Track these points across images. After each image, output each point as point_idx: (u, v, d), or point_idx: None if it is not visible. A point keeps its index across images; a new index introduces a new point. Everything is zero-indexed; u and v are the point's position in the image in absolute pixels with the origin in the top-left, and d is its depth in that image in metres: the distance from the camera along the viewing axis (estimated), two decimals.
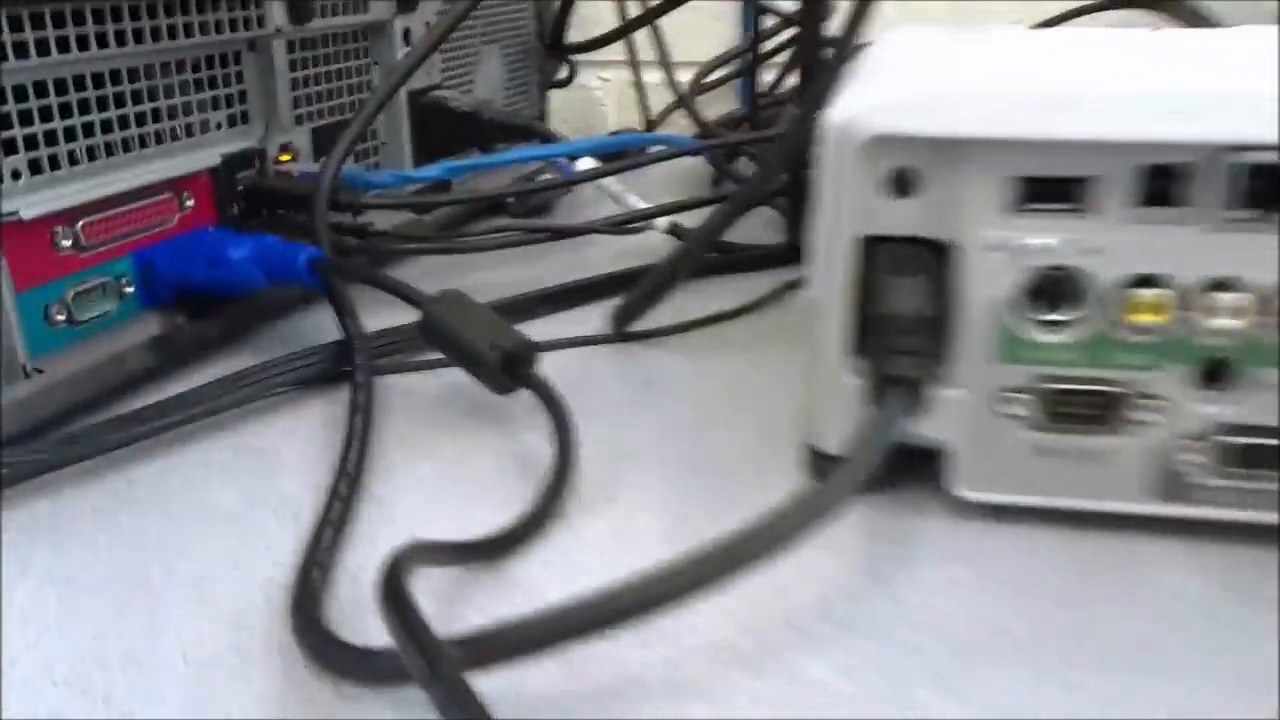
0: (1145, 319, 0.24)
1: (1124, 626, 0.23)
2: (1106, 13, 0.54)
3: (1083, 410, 0.25)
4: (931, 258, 0.25)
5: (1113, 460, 0.26)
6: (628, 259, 0.47)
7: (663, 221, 0.46)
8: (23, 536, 0.28)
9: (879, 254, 0.26)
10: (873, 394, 0.24)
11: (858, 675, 0.22)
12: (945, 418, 0.26)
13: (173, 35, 0.37)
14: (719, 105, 0.73)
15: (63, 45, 0.33)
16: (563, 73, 0.62)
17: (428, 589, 0.25)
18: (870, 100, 0.25)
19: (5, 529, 0.28)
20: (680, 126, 0.68)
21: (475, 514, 0.28)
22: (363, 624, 0.24)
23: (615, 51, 0.63)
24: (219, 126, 0.40)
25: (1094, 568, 0.25)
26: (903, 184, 0.25)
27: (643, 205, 0.46)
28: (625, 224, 0.44)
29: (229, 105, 0.41)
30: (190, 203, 0.39)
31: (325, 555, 0.25)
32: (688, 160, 0.59)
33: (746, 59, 0.60)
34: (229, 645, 0.23)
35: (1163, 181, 0.24)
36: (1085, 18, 0.55)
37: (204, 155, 0.39)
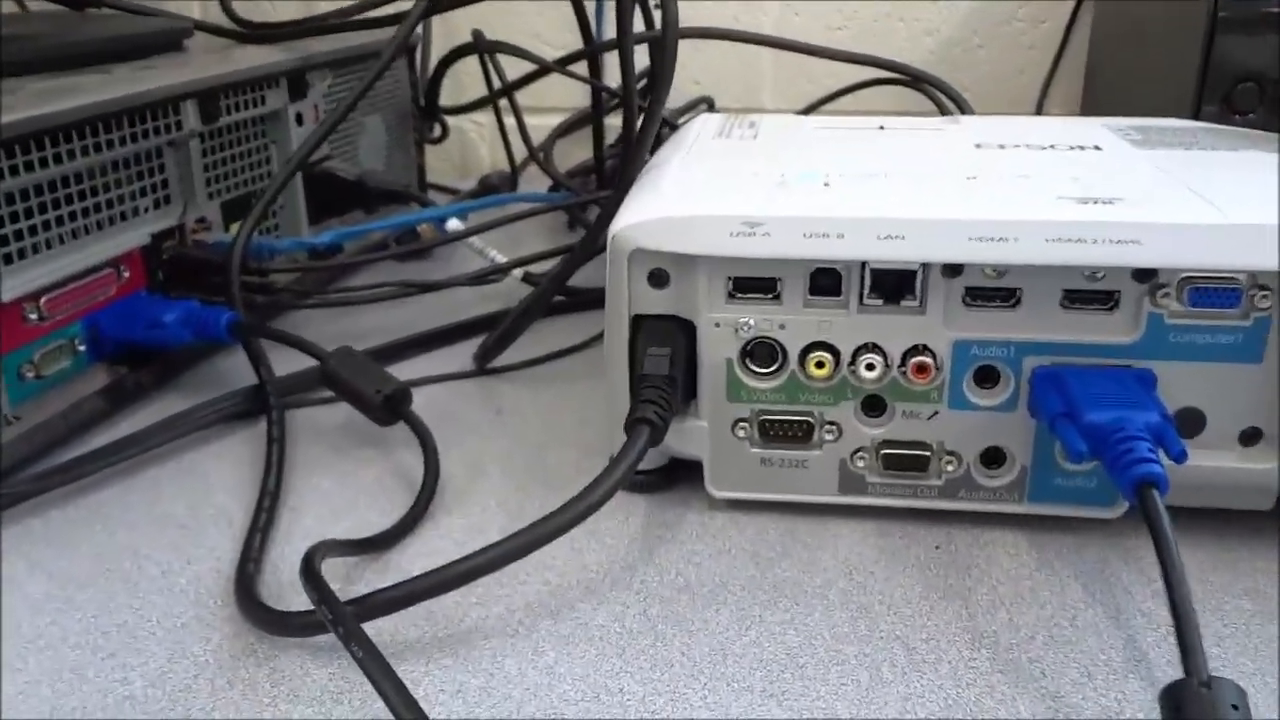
0: (820, 372, 0.36)
1: (805, 579, 0.35)
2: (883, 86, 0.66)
3: (786, 433, 0.37)
4: (680, 330, 0.36)
5: (810, 466, 0.37)
6: (489, 303, 0.58)
7: (518, 271, 0.56)
8: (26, 545, 0.37)
9: (643, 327, 0.37)
10: (626, 429, 0.35)
11: (625, 620, 0.33)
12: (697, 440, 0.38)
13: (111, 146, 0.46)
14: (578, 147, 0.84)
15: (29, 166, 0.42)
16: (436, 132, 0.72)
17: (334, 573, 0.35)
18: (637, 217, 0.36)
19: (11, 540, 0.37)
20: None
21: (364, 516, 0.39)
22: (284, 598, 0.34)
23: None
24: (147, 210, 0.50)
25: (796, 541, 0.37)
26: (658, 280, 0.36)
27: (500, 259, 0.57)
28: (484, 276, 0.55)
29: (154, 192, 0.50)
30: (126, 274, 0.48)
31: (256, 553, 0.35)
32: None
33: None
34: (193, 616, 0.33)
35: (825, 279, 0.35)
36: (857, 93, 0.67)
37: (136, 235, 0.49)
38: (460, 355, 0.53)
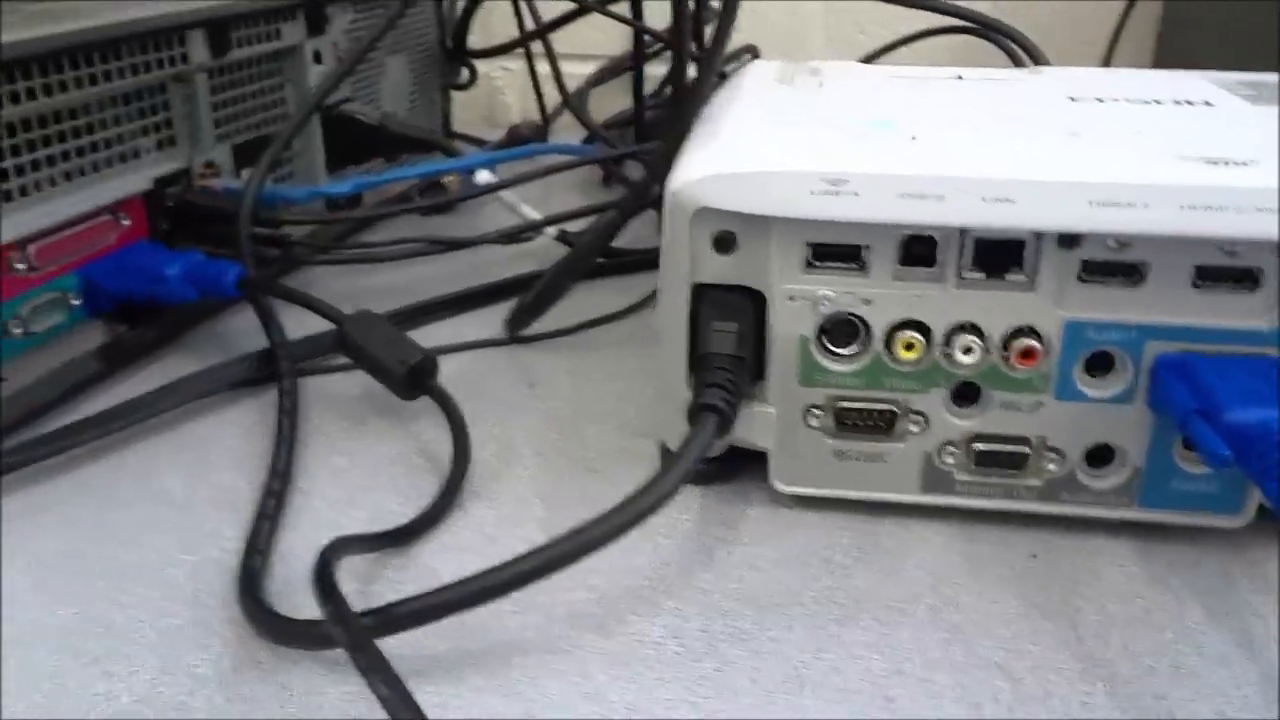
0: (908, 354, 0.31)
1: (886, 590, 0.30)
2: (945, 36, 0.61)
3: (866, 423, 0.32)
4: (748, 301, 0.32)
5: (891, 461, 0.33)
6: (520, 261, 0.54)
7: (552, 229, 0.52)
8: (4, 525, 0.33)
9: (706, 298, 0.32)
10: (690, 418, 0.31)
11: (683, 636, 0.29)
12: (763, 428, 0.33)
13: (108, 78, 0.41)
14: (613, 97, 0.79)
15: (14, 98, 0.38)
16: (464, 76, 0.67)
17: (351, 569, 0.31)
18: (700, 172, 0.31)
19: None
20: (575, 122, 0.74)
21: (383, 502, 0.35)
22: (295, 598, 0.30)
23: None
24: (149, 151, 0.45)
25: (872, 545, 0.32)
26: (724, 244, 0.32)
27: (534, 215, 0.52)
28: (517, 234, 0.50)
29: (158, 131, 0.46)
30: (126, 221, 0.44)
31: (264, 543, 0.31)
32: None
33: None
34: (190, 619, 0.29)
35: (918, 248, 0.30)
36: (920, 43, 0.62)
37: (137, 179, 0.44)
38: (487, 320, 0.48)
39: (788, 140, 0.33)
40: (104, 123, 0.42)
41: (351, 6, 0.56)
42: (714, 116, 0.38)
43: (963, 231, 0.30)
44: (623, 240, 0.50)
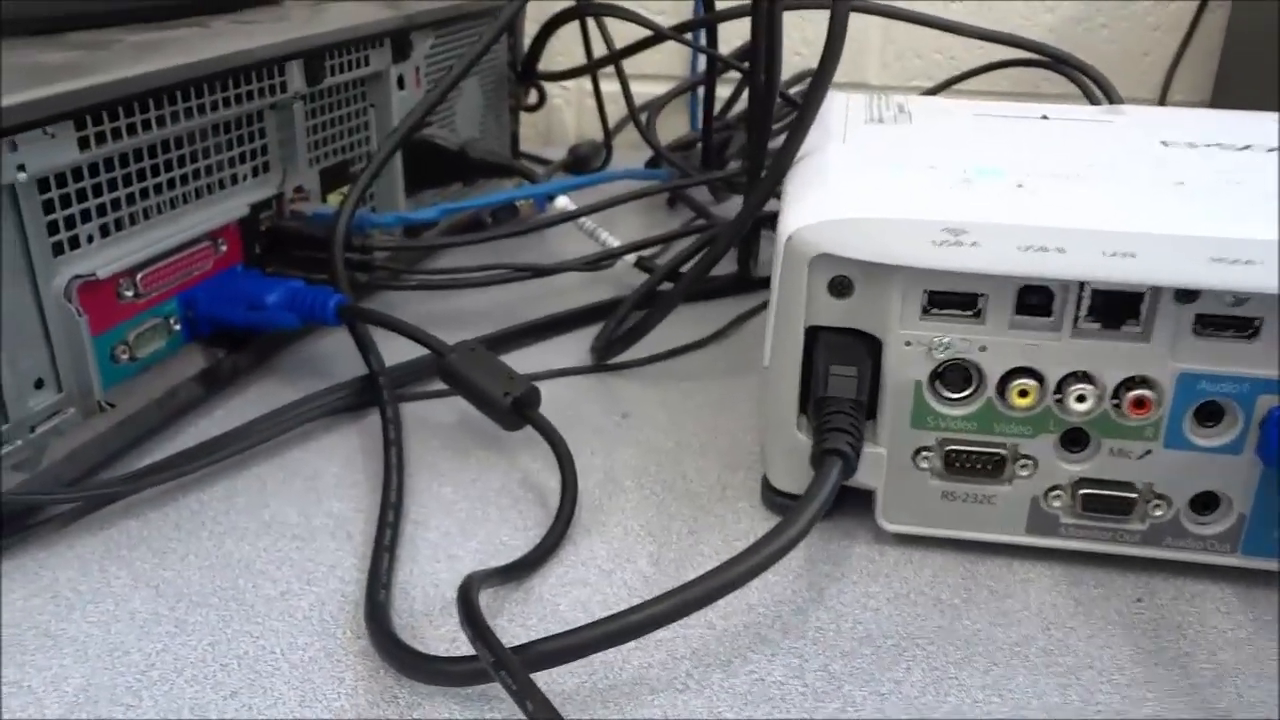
0: (1022, 401, 0.32)
1: (999, 633, 0.31)
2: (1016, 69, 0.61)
3: (975, 465, 0.33)
4: (862, 344, 0.33)
5: (998, 503, 0.33)
6: (596, 287, 0.54)
7: (631, 256, 0.53)
8: (124, 551, 0.34)
9: (821, 342, 0.33)
10: (814, 461, 0.31)
11: (805, 676, 0.29)
12: (871, 467, 0.34)
13: (214, 108, 0.42)
14: (669, 117, 0.80)
15: (131, 130, 0.38)
16: (533, 98, 0.68)
17: None
18: (817, 216, 0.32)
19: (109, 545, 0.34)
20: (634, 139, 0.75)
21: (495, 533, 0.35)
22: (419, 630, 0.31)
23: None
24: (246, 178, 0.46)
25: (980, 586, 0.33)
26: (840, 288, 0.32)
27: (613, 241, 0.53)
28: (598, 261, 0.51)
29: (254, 158, 0.46)
30: (224, 247, 0.45)
31: (386, 575, 0.32)
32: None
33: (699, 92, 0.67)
34: (321, 650, 0.30)
35: (1035, 296, 0.31)
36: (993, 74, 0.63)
37: (236, 205, 0.45)
38: (567, 345, 0.49)
39: (900, 187, 0.34)
40: (207, 151, 0.43)
41: (433, 32, 0.57)
42: (814, 156, 0.39)
43: (1081, 283, 0.31)
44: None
